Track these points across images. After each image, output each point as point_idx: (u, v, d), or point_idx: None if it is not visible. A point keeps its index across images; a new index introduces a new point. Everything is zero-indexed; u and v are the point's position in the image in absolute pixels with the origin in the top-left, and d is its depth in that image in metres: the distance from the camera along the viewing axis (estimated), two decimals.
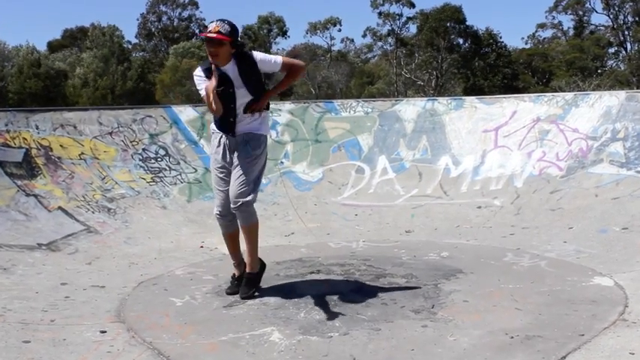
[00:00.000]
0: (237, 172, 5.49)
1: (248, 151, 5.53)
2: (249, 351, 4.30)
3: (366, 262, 6.86)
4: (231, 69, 5.37)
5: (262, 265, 5.87)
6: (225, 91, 5.36)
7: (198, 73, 5.51)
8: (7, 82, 47.54)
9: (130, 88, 47.89)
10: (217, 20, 5.31)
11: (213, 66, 5.34)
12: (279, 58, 5.57)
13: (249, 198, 5.45)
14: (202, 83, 5.44)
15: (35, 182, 8.66)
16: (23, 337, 4.53)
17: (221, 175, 5.63)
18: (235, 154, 5.56)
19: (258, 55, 5.48)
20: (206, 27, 5.44)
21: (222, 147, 5.62)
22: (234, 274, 5.84)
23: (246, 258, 5.72)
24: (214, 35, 5.21)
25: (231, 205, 5.48)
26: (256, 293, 5.63)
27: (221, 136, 5.63)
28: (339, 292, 5.66)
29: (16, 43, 58.02)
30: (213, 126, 5.73)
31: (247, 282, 5.66)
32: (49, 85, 47.75)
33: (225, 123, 5.54)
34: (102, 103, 42.81)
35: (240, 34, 5.56)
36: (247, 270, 5.70)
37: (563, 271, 6.12)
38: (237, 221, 5.65)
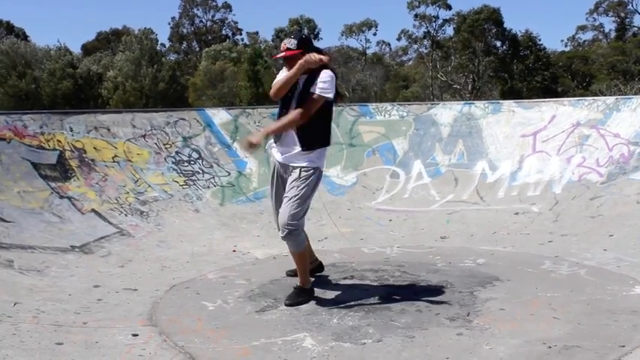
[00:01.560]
0: (287, 193, 5.59)
1: (295, 176, 5.59)
2: (282, 357, 4.32)
3: (400, 268, 6.85)
4: (302, 80, 5.54)
5: (320, 267, 6.54)
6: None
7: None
8: (40, 84, 48.23)
9: (162, 90, 48.29)
10: (286, 37, 5.59)
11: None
12: (318, 91, 5.51)
13: (296, 223, 5.50)
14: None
15: (69, 184, 8.78)
16: (56, 339, 4.60)
17: (273, 192, 5.93)
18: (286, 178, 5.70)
19: (324, 75, 5.51)
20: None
21: (273, 168, 5.86)
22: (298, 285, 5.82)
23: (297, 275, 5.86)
24: (283, 54, 5.46)
25: (280, 234, 5.57)
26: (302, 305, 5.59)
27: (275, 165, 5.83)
28: (372, 298, 5.66)
29: (47, 45, 58.83)
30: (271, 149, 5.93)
31: (297, 292, 5.68)
32: (82, 87, 48.41)
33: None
34: (133, 105, 43.23)
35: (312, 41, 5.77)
36: (299, 284, 5.75)
37: (603, 280, 6.04)
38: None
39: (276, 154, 5.74)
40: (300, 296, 5.62)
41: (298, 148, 5.54)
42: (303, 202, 5.54)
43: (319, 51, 5.55)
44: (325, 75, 5.46)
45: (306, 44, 5.47)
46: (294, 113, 5.47)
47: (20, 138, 8.88)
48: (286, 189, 5.57)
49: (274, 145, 5.77)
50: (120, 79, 48.10)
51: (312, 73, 5.45)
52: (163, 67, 51.43)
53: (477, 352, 4.27)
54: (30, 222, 7.67)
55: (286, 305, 5.50)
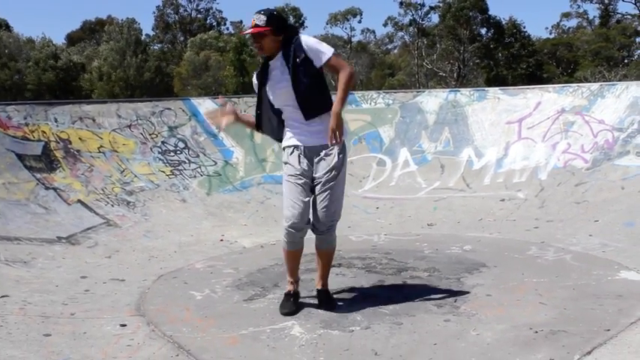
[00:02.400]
0: (324, 189, 4.95)
1: (330, 163, 4.95)
2: (270, 345, 4.32)
3: (387, 255, 6.87)
4: (279, 60, 4.94)
5: None
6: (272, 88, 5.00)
7: (254, 80, 5.21)
8: (24, 74, 47.84)
9: (147, 80, 48.02)
10: (254, 13, 4.95)
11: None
12: (329, 52, 4.91)
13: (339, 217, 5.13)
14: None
15: (54, 175, 8.74)
16: (44, 330, 4.58)
17: (299, 182, 4.94)
18: (315, 165, 4.98)
19: (305, 39, 4.93)
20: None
21: (297, 155, 4.99)
22: (289, 291, 5.13)
23: (321, 277, 5.23)
24: (251, 30, 4.89)
25: (322, 228, 5.01)
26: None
27: (294, 149, 5.01)
28: (360, 285, 5.67)
29: (30, 36, 58.37)
30: (284, 142, 5.12)
31: (330, 296, 5.24)
32: (65, 78, 48.05)
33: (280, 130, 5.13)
34: (118, 95, 43.01)
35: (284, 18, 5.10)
36: (325, 287, 5.23)
37: (589, 265, 6.08)
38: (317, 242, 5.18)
39: (301, 137, 4.97)
40: (333, 297, 5.28)
41: (320, 123, 4.90)
42: (344, 188, 5.12)
43: (292, 28, 5.06)
44: (310, 40, 4.92)
45: (275, 22, 4.87)
46: (346, 75, 4.82)
47: (4, 129, 8.84)
48: (322, 176, 4.92)
49: (289, 129, 5.04)
50: (104, 69, 47.76)
51: (285, 50, 4.89)
52: (150, 57, 51.12)
53: (464, 338, 4.28)
54: (15, 213, 7.63)
55: (330, 310, 5.04)
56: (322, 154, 4.92)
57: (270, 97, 5.00)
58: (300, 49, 4.83)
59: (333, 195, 4.94)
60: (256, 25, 4.86)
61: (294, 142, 4.98)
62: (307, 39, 4.90)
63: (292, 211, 4.89)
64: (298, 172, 4.93)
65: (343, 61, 5.04)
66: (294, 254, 5.10)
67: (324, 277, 5.23)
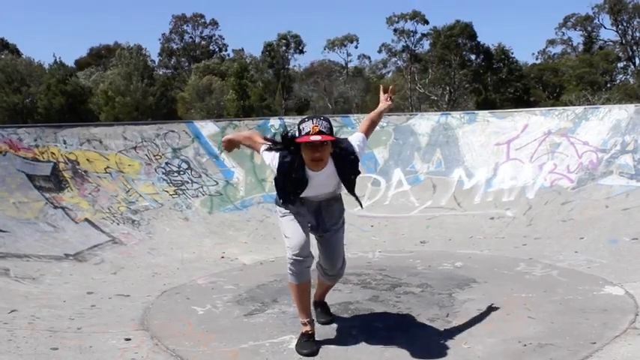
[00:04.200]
0: (334, 242, 4.73)
1: (337, 218, 4.79)
2: (269, 358, 4.31)
3: (382, 271, 6.85)
4: (328, 169, 4.42)
5: None
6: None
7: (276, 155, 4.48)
8: (36, 98, 47.91)
9: (152, 104, 48.07)
10: (309, 118, 4.32)
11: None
12: (361, 136, 4.72)
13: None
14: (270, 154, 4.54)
15: (63, 195, 8.73)
16: (51, 344, 4.56)
17: (299, 218, 4.57)
18: (322, 218, 4.70)
19: (354, 141, 4.61)
20: (299, 130, 4.29)
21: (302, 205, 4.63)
22: (307, 332, 4.56)
23: (321, 294, 5.15)
24: (319, 138, 4.16)
25: (333, 274, 4.82)
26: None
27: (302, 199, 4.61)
28: (355, 300, 5.65)
29: (40, 60, 58.65)
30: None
31: (328, 308, 5.19)
32: (74, 102, 48.08)
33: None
34: (123, 119, 43.03)
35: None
36: (322, 299, 5.16)
37: (575, 281, 6.07)
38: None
39: (315, 197, 4.62)
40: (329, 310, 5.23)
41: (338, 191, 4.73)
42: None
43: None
44: (352, 140, 4.60)
45: (332, 129, 4.32)
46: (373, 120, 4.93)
47: (15, 151, 8.84)
48: (332, 228, 4.70)
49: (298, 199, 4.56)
50: (111, 94, 47.82)
51: (335, 159, 4.41)
52: (157, 82, 51.23)
53: (456, 351, 4.27)
54: (25, 231, 7.62)
55: (323, 324, 4.95)
56: (328, 202, 4.68)
57: (307, 188, 4.45)
58: (355, 158, 4.51)
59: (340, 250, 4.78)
60: (321, 132, 4.17)
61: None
62: (354, 141, 4.60)
63: (296, 239, 4.47)
64: (300, 212, 4.59)
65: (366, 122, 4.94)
66: (303, 287, 4.54)
67: (324, 295, 5.19)
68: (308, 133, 4.15)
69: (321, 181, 4.45)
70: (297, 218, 4.54)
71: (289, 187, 4.45)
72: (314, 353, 4.39)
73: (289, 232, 4.52)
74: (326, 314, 5.12)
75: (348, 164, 4.46)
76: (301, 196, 4.50)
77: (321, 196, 4.62)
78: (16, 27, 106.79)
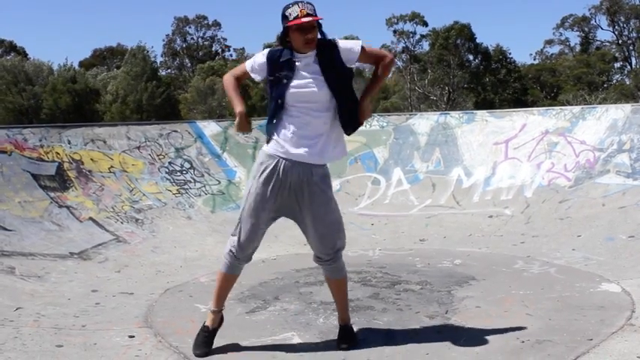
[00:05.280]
0: (325, 215, 4.24)
1: (326, 189, 4.27)
2: (271, 355, 4.30)
3: (381, 269, 6.85)
4: (310, 58, 4.12)
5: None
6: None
7: (267, 55, 4.19)
8: (41, 98, 47.83)
9: (157, 105, 48.01)
10: (293, 3, 4.03)
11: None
12: (358, 44, 4.17)
13: (344, 244, 4.43)
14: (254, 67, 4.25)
15: (67, 194, 8.73)
16: (56, 341, 4.56)
17: (261, 206, 4.21)
18: (305, 193, 4.19)
19: (339, 41, 4.18)
20: (285, 15, 4.05)
21: (277, 175, 4.14)
22: (207, 327, 4.41)
23: (340, 310, 4.58)
24: (309, 19, 3.97)
25: (325, 257, 4.33)
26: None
27: (277, 162, 4.13)
28: (356, 298, 5.64)
29: (49, 61, 58.66)
30: (267, 149, 4.21)
31: (352, 332, 4.55)
32: (80, 102, 48.04)
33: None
34: (129, 118, 43.01)
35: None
36: (346, 323, 4.53)
37: (572, 278, 6.07)
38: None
39: (295, 150, 4.11)
40: (354, 334, 4.57)
41: (330, 141, 4.22)
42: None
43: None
44: (346, 41, 4.20)
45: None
46: (384, 69, 4.33)
47: (21, 151, 8.83)
48: (316, 199, 4.19)
49: (277, 137, 4.16)
50: (120, 93, 47.77)
51: (319, 52, 4.10)
52: (162, 83, 51.22)
53: (454, 348, 4.26)
54: (30, 230, 7.61)
55: (345, 350, 4.32)
56: (315, 176, 4.17)
57: (290, 95, 4.08)
58: (337, 51, 4.13)
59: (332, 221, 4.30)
60: (308, 14, 3.97)
61: (283, 154, 4.14)
62: (337, 40, 4.19)
63: (246, 236, 4.28)
64: (268, 196, 4.18)
65: (376, 48, 4.38)
66: (228, 279, 4.44)
67: (344, 311, 4.55)
68: (297, 17, 3.97)
69: (307, 75, 4.08)
70: (259, 199, 4.19)
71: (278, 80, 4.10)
72: (205, 354, 4.25)
73: (245, 218, 4.27)
74: (348, 340, 4.45)
75: (330, 59, 4.11)
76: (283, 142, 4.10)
77: (310, 137, 4.13)
78: (19, 28, 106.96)
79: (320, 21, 4.06)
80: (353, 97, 4.24)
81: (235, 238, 4.33)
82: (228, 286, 4.48)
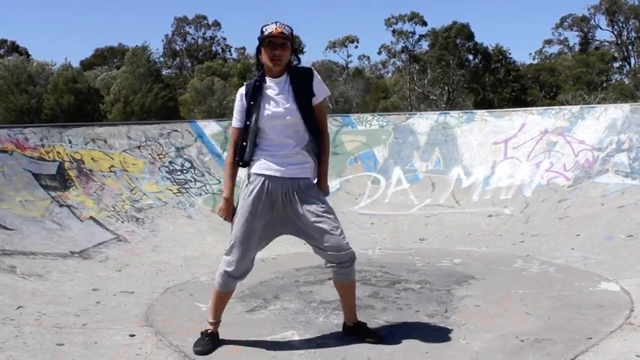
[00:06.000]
0: (325, 220, 4.24)
1: (314, 194, 4.34)
2: (271, 354, 4.30)
3: (381, 268, 6.85)
4: (282, 82, 4.32)
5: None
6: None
7: (242, 91, 4.42)
8: (42, 98, 47.78)
9: (160, 105, 47.96)
10: (273, 22, 4.24)
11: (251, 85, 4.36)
12: (327, 93, 4.46)
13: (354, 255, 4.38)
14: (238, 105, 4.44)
15: (68, 193, 8.72)
16: (57, 340, 4.56)
17: (252, 225, 4.32)
18: (294, 204, 4.26)
19: (316, 73, 4.41)
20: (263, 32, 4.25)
21: (265, 193, 4.29)
22: (207, 331, 4.52)
23: (349, 310, 4.57)
24: (281, 30, 4.19)
25: (337, 261, 4.29)
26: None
27: (263, 181, 4.30)
28: (356, 297, 5.64)
29: (52, 60, 58.69)
30: (253, 169, 4.39)
31: (367, 328, 4.57)
32: (82, 102, 48.01)
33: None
34: (131, 118, 42.99)
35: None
36: (355, 321, 4.56)
37: (571, 277, 6.07)
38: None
39: (278, 167, 4.29)
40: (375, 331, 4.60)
41: (307, 157, 4.36)
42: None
43: (296, 55, 4.49)
44: (318, 76, 4.40)
45: (292, 38, 4.31)
46: (328, 141, 4.49)
47: (22, 150, 8.83)
48: (308, 199, 4.25)
49: (259, 157, 4.35)
50: (123, 92, 47.70)
51: (292, 76, 4.32)
52: (166, 85, 51.17)
53: (454, 347, 4.27)
54: (31, 229, 7.61)
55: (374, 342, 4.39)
56: (302, 186, 4.28)
57: (261, 118, 4.27)
58: (311, 78, 4.33)
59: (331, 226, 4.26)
60: (283, 34, 4.19)
61: (267, 171, 4.30)
62: (316, 73, 4.41)
63: (239, 256, 4.36)
64: (259, 214, 4.29)
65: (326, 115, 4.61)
66: (223, 296, 4.54)
67: (353, 309, 4.57)
68: (270, 34, 4.19)
69: (278, 98, 4.28)
70: (251, 219, 4.31)
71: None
72: (204, 352, 4.33)
73: (237, 241, 4.35)
74: (371, 335, 4.50)
75: (302, 85, 4.31)
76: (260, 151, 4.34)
77: (285, 148, 4.30)
78: (20, 28, 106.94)
79: (295, 47, 4.35)
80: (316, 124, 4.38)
81: (229, 258, 4.40)
82: (224, 302, 4.61)
